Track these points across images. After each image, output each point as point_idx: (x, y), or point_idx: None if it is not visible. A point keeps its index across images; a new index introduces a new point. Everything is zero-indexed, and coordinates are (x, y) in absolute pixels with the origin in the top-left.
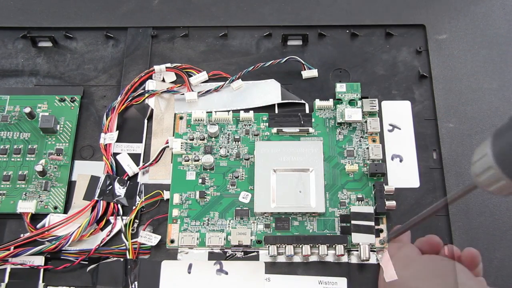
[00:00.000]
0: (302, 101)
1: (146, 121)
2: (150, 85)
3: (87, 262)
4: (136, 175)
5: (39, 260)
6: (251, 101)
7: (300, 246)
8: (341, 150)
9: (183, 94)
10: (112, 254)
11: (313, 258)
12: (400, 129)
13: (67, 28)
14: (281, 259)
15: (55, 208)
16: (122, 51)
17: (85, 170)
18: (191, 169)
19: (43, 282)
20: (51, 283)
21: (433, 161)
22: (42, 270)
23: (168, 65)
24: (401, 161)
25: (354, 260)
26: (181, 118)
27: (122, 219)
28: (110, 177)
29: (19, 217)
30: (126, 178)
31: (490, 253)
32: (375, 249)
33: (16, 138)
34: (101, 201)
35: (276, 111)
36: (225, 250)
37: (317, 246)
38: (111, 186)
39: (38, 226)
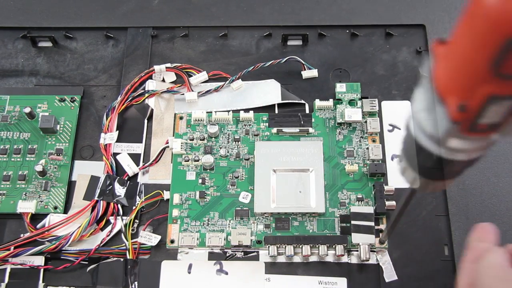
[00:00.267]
0: (302, 101)
1: (146, 121)
2: (150, 85)
3: (87, 262)
4: (136, 175)
5: (39, 260)
6: (251, 101)
7: (300, 246)
8: (341, 150)
9: (183, 94)
10: (112, 254)
11: (313, 258)
12: (400, 129)
13: (67, 28)
14: (281, 259)
15: (55, 208)
16: (122, 51)
17: (85, 170)
18: (191, 169)
19: (43, 282)
20: (51, 283)
21: None
22: (42, 270)
23: (168, 65)
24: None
25: (354, 260)
26: (181, 118)
27: (122, 219)
28: (110, 177)
29: (19, 217)
30: (126, 178)
31: None
32: (375, 250)
33: (16, 138)
34: (101, 201)
35: (276, 111)
36: (225, 250)
37: (317, 246)
38: (111, 186)
39: (38, 226)
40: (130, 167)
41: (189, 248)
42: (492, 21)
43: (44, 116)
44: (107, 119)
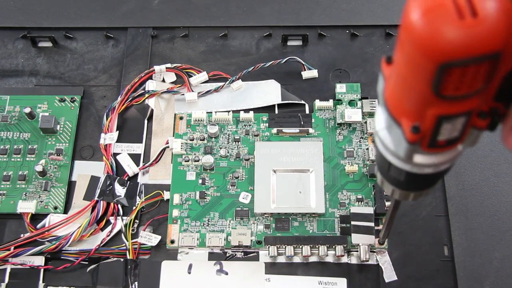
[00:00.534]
0: (302, 102)
1: (146, 121)
2: (150, 85)
3: (87, 262)
4: (136, 175)
5: (39, 260)
6: (251, 101)
7: (300, 246)
8: (341, 151)
9: (183, 94)
10: (112, 254)
11: (313, 259)
12: None
13: (67, 28)
14: (281, 259)
15: (55, 208)
16: (122, 51)
17: (85, 170)
18: (191, 169)
19: (43, 282)
20: (51, 283)
21: None
22: (42, 270)
23: (168, 65)
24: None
25: (354, 260)
26: (181, 118)
27: (122, 219)
28: (110, 177)
29: (19, 217)
30: (126, 178)
31: (489, 253)
32: (374, 250)
33: (16, 138)
34: (101, 201)
35: (276, 112)
36: (225, 251)
37: (317, 246)
38: (111, 186)
39: (38, 226)
40: (130, 167)
41: (189, 248)
42: (423, 48)
43: (44, 116)
44: (107, 119)
